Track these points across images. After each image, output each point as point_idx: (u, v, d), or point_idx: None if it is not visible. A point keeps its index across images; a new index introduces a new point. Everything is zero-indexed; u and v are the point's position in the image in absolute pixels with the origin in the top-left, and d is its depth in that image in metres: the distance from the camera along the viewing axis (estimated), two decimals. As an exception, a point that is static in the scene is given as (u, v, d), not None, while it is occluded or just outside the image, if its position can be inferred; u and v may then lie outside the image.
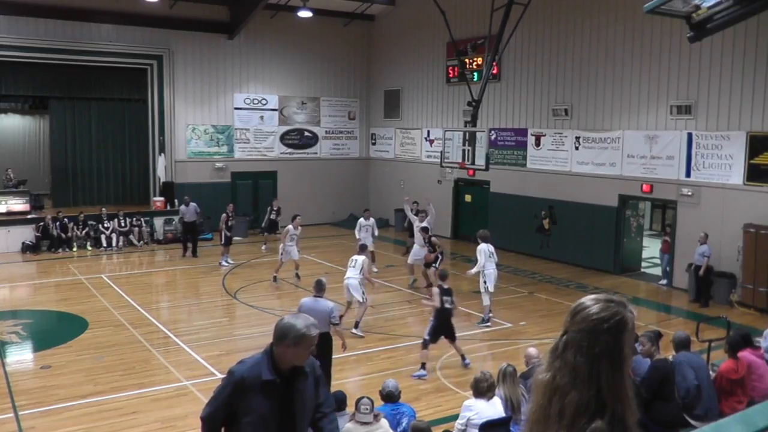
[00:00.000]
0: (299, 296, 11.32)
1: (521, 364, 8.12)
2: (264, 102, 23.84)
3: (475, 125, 17.22)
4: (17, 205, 20.39)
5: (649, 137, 16.27)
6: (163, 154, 21.97)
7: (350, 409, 6.70)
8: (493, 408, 6.48)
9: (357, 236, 16.96)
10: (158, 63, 21.88)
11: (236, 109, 23.35)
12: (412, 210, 16.58)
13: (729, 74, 14.64)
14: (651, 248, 18.84)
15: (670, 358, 7.51)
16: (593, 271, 17.33)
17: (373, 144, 25.99)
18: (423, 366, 10.19)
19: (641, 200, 17.61)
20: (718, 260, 14.55)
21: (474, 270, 12.94)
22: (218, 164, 23.04)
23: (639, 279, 17.04)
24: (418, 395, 9.29)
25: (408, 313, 13.73)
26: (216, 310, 14.26)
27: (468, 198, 22.08)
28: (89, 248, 19.83)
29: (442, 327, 10.33)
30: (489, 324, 12.76)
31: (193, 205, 18.84)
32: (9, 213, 20.01)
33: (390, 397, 7.07)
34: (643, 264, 18.05)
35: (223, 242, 18.01)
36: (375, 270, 16.83)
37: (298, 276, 16.04)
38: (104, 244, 19.94)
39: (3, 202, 20.19)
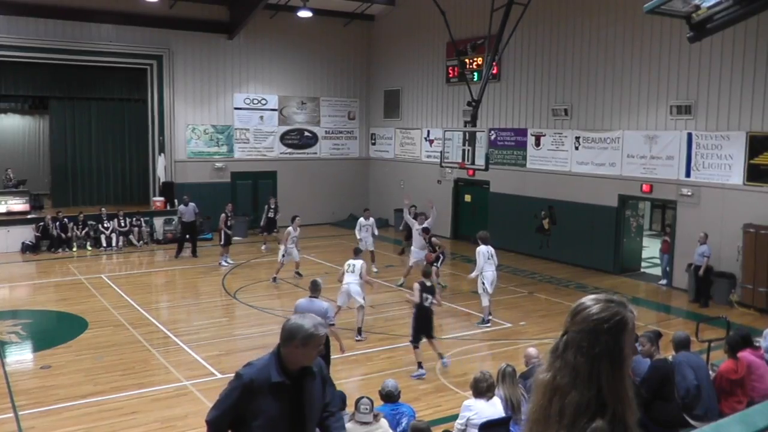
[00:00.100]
0: (299, 296, 11.29)
1: (521, 364, 8.12)
2: (264, 102, 23.84)
3: (474, 125, 17.22)
4: (17, 205, 20.38)
5: (649, 137, 16.27)
6: (162, 154, 21.98)
7: (350, 409, 6.69)
8: (493, 408, 6.47)
9: (357, 236, 16.99)
10: (158, 63, 21.88)
11: (236, 109, 23.36)
12: (410, 213, 16.59)
13: (729, 74, 14.64)
14: (651, 248, 18.84)
15: (670, 358, 7.51)
16: (593, 271, 17.34)
17: (373, 144, 26.00)
18: (420, 365, 10.19)
19: (641, 200, 17.61)
20: (718, 260, 14.55)
21: (473, 274, 12.94)
22: (218, 164, 23.04)
23: (639, 279, 17.04)
24: (417, 395, 9.29)
25: (407, 313, 13.66)
26: (216, 310, 14.26)
27: (468, 198, 22.08)
28: (89, 248, 19.83)
29: (423, 325, 10.27)
30: (489, 324, 12.77)
31: (192, 205, 18.83)
32: (9, 213, 20.00)
33: (389, 397, 7.07)
34: (643, 264, 18.06)
35: (222, 242, 18.02)
36: (375, 270, 16.84)
37: (299, 274, 16.08)
38: (104, 244, 19.94)
39: (3, 202, 20.19)
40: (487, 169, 16.43)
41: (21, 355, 11.35)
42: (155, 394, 9.45)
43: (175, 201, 21.00)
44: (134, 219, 20.75)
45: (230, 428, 3.76)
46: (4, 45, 19.60)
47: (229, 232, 18.01)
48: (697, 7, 8.66)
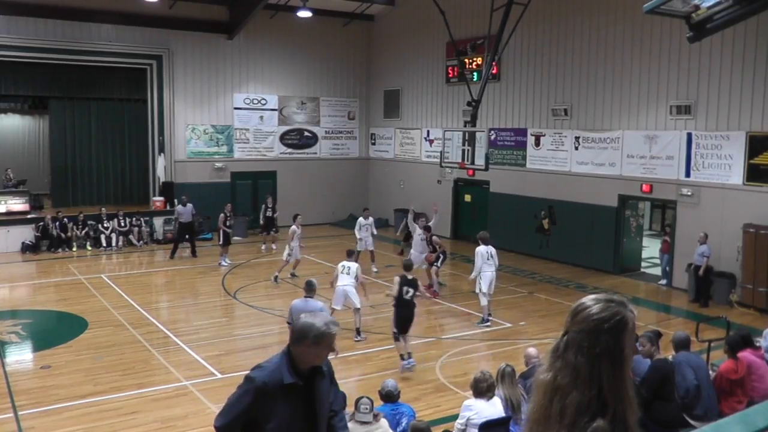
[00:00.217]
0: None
1: (521, 364, 8.12)
2: (263, 102, 23.84)
3: (474, 125, 17.22)
4: (17, 205, 20.38)
5: (649, 137, 16.27)
6: (162, 154, 21.98)
7: (350, 409, 6.69)
8: (493, 408, 6.47)
9: (357, 235, 17.03)
10: (158, 63, 21.88)
11: (236, 109, 23.35)
12: (412, 216, 16.59)
13: (729, 74, 14.64)
14: (651, 248, 18.84)
15: (670, 358, 7.51)
16: (593, 271, 17.34)
17: (373, 144, 25.99)
18: (402, 357, 10.20)
19: (641, 200, 17.61)
20: (718, 260, 14.55)
21: (473, 275, 12.95)
22: (218, 164, 23.04)
23: (639, 279, 17.04)
24: (417, 395, 9.29)
25: (408, 313, 13.70)
26: (215, 310, 14.26)
27: (468, 198, 22.08)
28: (89, 248, 19.83)
29: (404, 317, 10.23)
30: (488, 323, 12.76)
31: (189, 205, 18.83)
32: (9, 213, 20.00)
33: (389, 396, 7.07)
34: (643, 264, 18.06)
35: (221, 242, 18.02)
36: (375, 270, 16.86)
37: (294, 275, 16.07)
38: (104, 244, 19.93)
39: (3, 202, 20.18)
40: (487, 169, 16.43)
41: (21, 355, 11.35)
42: (155, 394, 9.45)
43: (175, 201, 21.00)
44: (134, 219, 20.75)
45: None
46: (4, 45, 19.59)
47: (228, 231, 18.01)
48: (697, 7, 8.66)
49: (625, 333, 1.99)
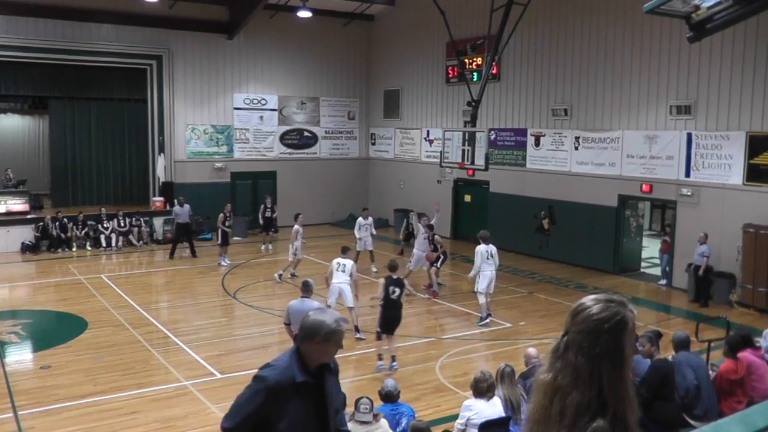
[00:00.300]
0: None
1: (521, 364, 8.12)
2: (263, 102, 23.84)
3: (474, 125, 17.22)
4: (17, 205, 20.38)
5: (649, 137, 16.27)
6: (162, 154, 21.98)
7: (350, 409, 6.69)
8: (493, 408, 6.47)
9: (356, 235, 17.05)
10: (158, 63, 21.88)
11: (236, 109, 23.35)
12: (416, 216, 16.59)
13: (729, 74, 14.64)
14: (650, 248, 18.84)
15: (670, 358, 7.51)
16: (593, 271, 17.34)
17: (373, 144, 25.99)
18: (379, 357, 10.20)
19: (641, 200, 17.60)
20: (718, 260, 14.55)
21: (472, 273, 12.95)
22: (218, 164, 23.04)
23: (638, 279, 17.05)
24: (417, 395, 9.28)
25: (407, 313, 13.68)
26: (215, 310, 14.26)
27: (467, 198, 22.08)
28: (89, 248, 19.83)
29: (390, 317, 10.16)
30: (488, 320, 12.76)
31: (186, 206, 18.84)
32: (8, 213, 20.00)
33: (389, 396, 7.07)
34: (643, 264, 18.06)
35: (219, 242, 18.02)
36: (375, 270, 16.85)
37: (294, 275, 16.07)
38: (104, 244, 19.93)
39: (2, 202, 20.18)
40: (486, 169, 16.42)
41: (21, 355, 11.34)
42: (155, 394, 9.45)
43: (175, 201, 21.00)
44: (134, 219, 20.75)
45: None
46: (4, 45, 19.59)
47: (227, 230, 18.01)
48: (697, 7, 8.66)
49: (625, 333, 1.99)
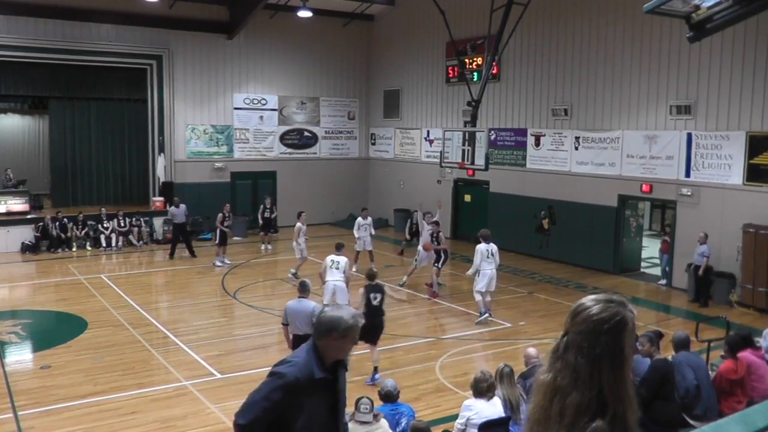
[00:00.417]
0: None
1: (520, 364, 8.12)
2: (263, 102, 23.84)
3: (474, 125, 17.22)
4: (17, 205, 20.37)
5: (649, 137, 16.27)
6: (162, 154, 21.97)
7: (350, 409, 6.69)
8: (493, 408, 6.47)
9: (356, 235, 17.05)
10: (158, 63, 21.88)
11: (236, 109, 23.35)
12: (421, 214, 16.61)
13: (729, 74, 14.64)
14: (650, 248, 18.84)
15: (670, 358, 7.51)
16: (593, 271, 17.33)
17: (373, 144, 25.99)
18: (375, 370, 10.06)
19: (641, 200, 17.60)
20: (718, 260, 14.55)
21: (470, 271, 12.96)
22: (218, 164, 23.03)
23: (638, 279, 17.04)
24: (417, 395, 9.29)
25: (407, 313, 13.72)
26: (215, 310, 14.26)
27: (467, 198, 22.08)
28: (88, 248, 19.82)
29: (373, 325, 9.81)
30: (486, 316, 12.75)
31: (183, 206, 18.85)
32: (8, 213, 19.99)
33: (388, 396, 7.07)
34: (643, 264, 18.06)
35: (217, 242, 18.02)
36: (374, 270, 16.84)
37: (295, 275, 16.09)
38: (103, 244, 19.93)
39: (2, 202, 20.18)
40: (486, 169, 16.42)
41: (21, 355, 11.34)
42: (155, 394, 9.45)
43: (171, 202, 21.00)
44: (134, 219, 20.75)
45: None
46: (4, 45, 19.58)
47: (225, 231, 17.99)
48: (697, 7, 8.66)
49: (625, 333, 1.99)
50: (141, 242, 20.66)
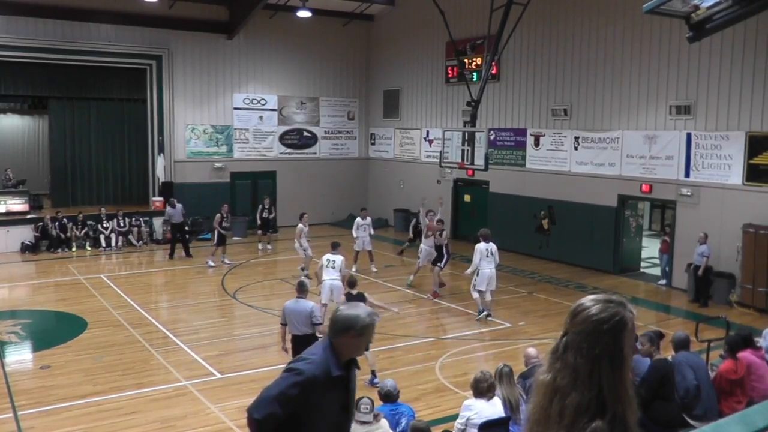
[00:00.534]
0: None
1: (520, 364, 8.12)
2: (263, 102, 23.84)
3: (474, 125, 17.22)
4: (16, 205, 20.37)
5: (649, 137, 16.27)
6: (162, 154, 21.97)
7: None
8: (493, 408, 6.47)
9: (354, 235, 17.06)
10: (157, 63, 21.87)
11: (235, 109, 23.34)
12: (424, 212, 16.64)
13: (728, 74, 14.64)
14: (650, 248, 18.84)
15: (670, 358, 7.51)
16: (592, 271, 17.34)
17: (373, 144, 25.99)
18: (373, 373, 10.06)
19: (640, 200, 17.60)
20: (718, 260, 14.55)
21: (469, 270, 12.96)
22: (217, 164, 23.03)
23: (638, 279, 17.04)
24: (417, 395, 9.29)
25: (407, 313, 13.72)
26: (215, 310, 14.26)
27: (467, 198, 22.08)
28: (88, 248, 19.82)
29: None
30: (485, 314, 12.75)
31: (179, 206, 18.84)
32: (8, 213, 19.99)
33: (388, 396, 7.07)
34: (643, 264, 18.06)
35: (215, 242, 18.02)
36: (374, 270, 16.87)
37: (304, 270, 16.10)
38: (103, 244, 19.93)
39: (2, 202, 20.17)
40: (486, 169, 16.43)
41: (20, 355, 11.34)
42: (155, 394, 9.45)
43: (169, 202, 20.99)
44: (133, 219, 20.75)
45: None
46: (3, 45, 19.57)
47: (223, 232, 17.97)
48: (697, 7, 8.67)
49: (625, 333, 1.99)
50: (141, 242, 20.66)
